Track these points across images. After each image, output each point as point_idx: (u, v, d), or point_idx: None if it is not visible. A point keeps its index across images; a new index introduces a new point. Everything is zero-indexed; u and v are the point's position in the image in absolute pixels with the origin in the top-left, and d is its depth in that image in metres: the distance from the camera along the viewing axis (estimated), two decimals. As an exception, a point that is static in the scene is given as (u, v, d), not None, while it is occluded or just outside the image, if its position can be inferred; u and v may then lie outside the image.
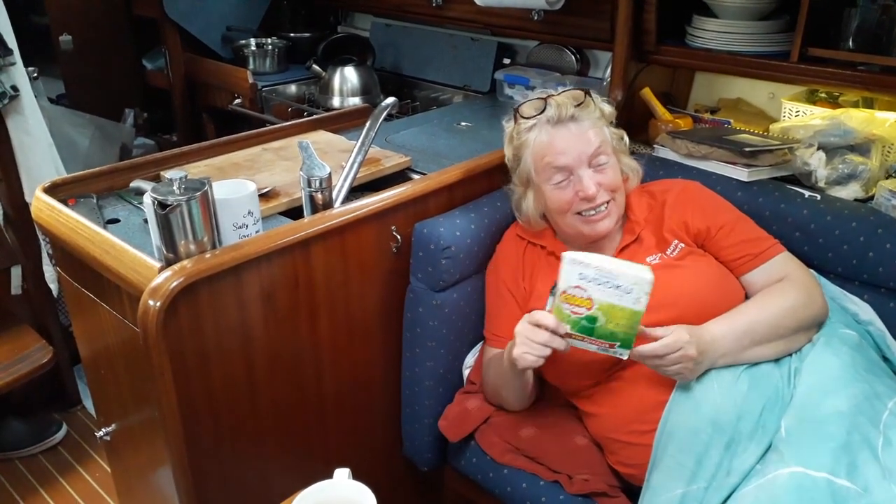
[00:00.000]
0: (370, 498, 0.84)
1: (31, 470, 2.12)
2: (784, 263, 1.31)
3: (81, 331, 1.53)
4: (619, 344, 1.14)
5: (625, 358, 1.16)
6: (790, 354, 1.23)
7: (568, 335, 1.15)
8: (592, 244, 1.36)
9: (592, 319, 1.12)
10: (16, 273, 2.12)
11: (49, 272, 2.11)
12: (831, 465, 1.02)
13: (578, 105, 1.31)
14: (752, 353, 1.20)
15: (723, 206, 1.38)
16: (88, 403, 2.33)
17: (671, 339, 1.13)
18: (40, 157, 2.03)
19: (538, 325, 1.15)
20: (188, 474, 1.24)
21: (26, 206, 1.98)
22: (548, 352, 1.16)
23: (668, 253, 1.32)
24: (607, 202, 1.30)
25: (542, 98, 1.33)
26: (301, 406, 1.40)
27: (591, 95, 1.35)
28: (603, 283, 1.09)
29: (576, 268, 1.10)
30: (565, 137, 1.30)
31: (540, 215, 1.40)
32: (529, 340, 1.16)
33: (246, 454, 1.34)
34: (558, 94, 1.34)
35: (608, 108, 1.38)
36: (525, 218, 1.41)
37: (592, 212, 1.30)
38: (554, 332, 1.14)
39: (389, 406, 1.57)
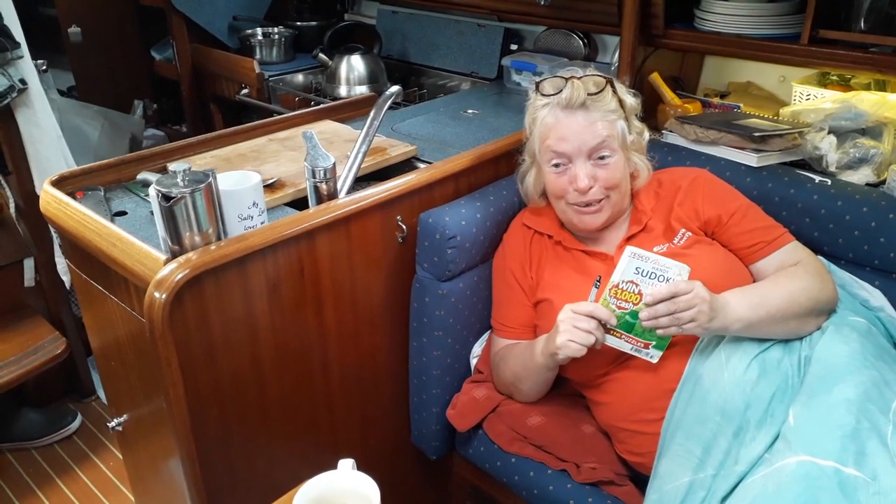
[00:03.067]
0: (374, 489, 0.85)
1: (46, 459, 2.16)
2: (795, 251, 1.30)
3: (92, 322, 1.54)
4: (653, 344, 1.17)
5: (654, 361, 1.19)
6: (800, 339, 1.22)
7: (608, 330, 1.18)
8: (597, 232, 1.35)
9: (635, 315, 1.15)
10: (28, 265, 2.14)
11: (61, 264, 2.13)
12: (839, 454, 1.00)
13: (594, 94, 1.28)
14: (766, 328, 1.19)
15: (733, 194, 1.36)
16: (102, 394, 2.36)
17: (684, 282, 1.13)
18: (50, 150, 2.04)
19: (589, 316, 1.16)
20: (196, 464, 1.25)
21: (37, 198, 1.99)
22: (592, 340, 1.16)
23: (675, 242, 1.31)
24: (600, 199, 1.29)
25: (564, 77, 1.31)
26: (308, 396, 1.41)
27: (613, 85, 1.31)
28: (656, 276, 1.13)
29: (635, 262, 1.13)
30: (570, 125, 1.28)
31: (539, 193, 1.40)
32: (575, 328, 1.17)
33: (254, 444, 1.35)
34: (581, 77, 1.31)
35: (631, 101, 1.34)
36: (524, 190, 1.43)
37: (584, 204, 1.29)
38: (602, 324, 1.16)
39: (397, 395, 1.57)
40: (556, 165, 1.30)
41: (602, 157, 1.28)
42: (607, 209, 1.31)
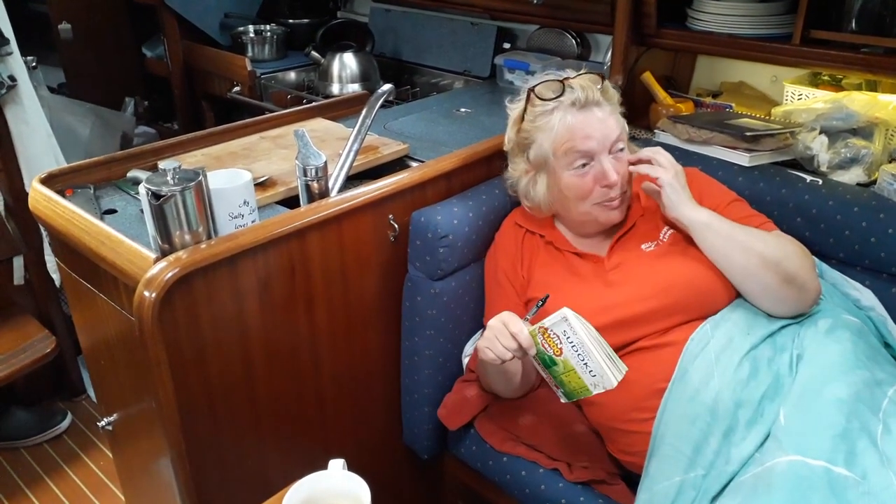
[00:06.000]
0: (364, 489, 0.85)
1: (36, 459, 2.14)
2: (781, 237, 1.29)
3: (81, 321, 1.53)
4: (562, 391, 1.18)
5: (563, 401, 1.19)
6: (792, 340, 1.21)
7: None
8: (598, 233, 1.35)
9: (554, 361, 1.15)
10: (18, 263, 2.13)
11: (51, 262, 2.12)
12: (829, 453, 1.01)
13: (601, 89, 1.28)
14: (726, 243, 1.21)
15: (720, 188, 1.37)
16: (92, 393, 2.35)
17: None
18: (39, 147, 2.03)
19: (514, 336, 1.14)
20: (186, 463, 1.25)
21: (27, 195, 1.98)
22: (508, 356, 1.15)
23: (661, 238, 1.31)
24: (623, 193, 1.29)
25: (558, 80, 1.29)
26: (299, 395, 1.41)
27: (605, 81, 1.32)
28: (576, 350, 1.11)
29: (563, 325, 1.11)
30: (591, 122, 1.26)
31: (553, 201, 1.35)
32: (497, 341, 1.15)
33: (244, 443, 1.35)
34: (576, 76, 1.30)
35: (617, 95, 1.35)
36: (535, 204, 1.36)
37: (610, 199, 1.28)
38: (524, 351, 1.15)
39: (389, 394, 1.57)
40: (583, 166, 1.28)
41: (621, 150, 1.29)
42: (626, 200, 1.31)
